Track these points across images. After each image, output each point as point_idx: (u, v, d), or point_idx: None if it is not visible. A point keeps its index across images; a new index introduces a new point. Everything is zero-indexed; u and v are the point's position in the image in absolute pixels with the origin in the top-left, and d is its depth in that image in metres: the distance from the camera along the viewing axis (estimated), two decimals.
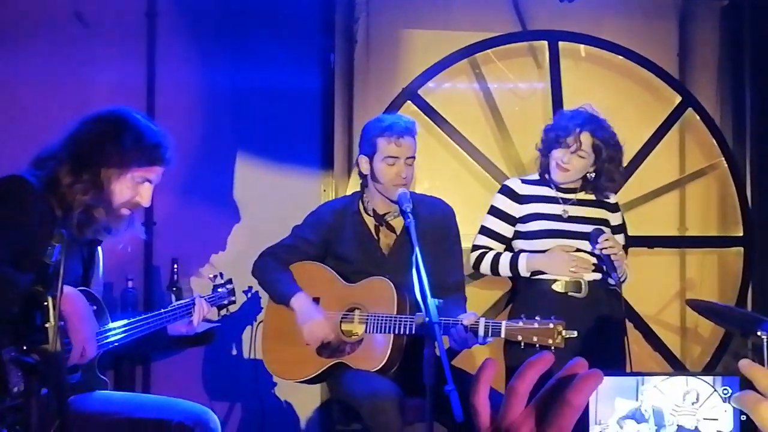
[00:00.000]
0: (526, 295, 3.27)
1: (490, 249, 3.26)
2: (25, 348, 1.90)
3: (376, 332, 2.91)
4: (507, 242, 3.27)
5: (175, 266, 3.66)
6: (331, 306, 3.02)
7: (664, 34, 4.35)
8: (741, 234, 4.16)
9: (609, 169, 3.17)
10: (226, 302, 3.05)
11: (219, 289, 3.04)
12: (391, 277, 2.95)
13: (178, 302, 2.82)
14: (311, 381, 3.07)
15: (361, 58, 4.10)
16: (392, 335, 2.88)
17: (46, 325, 1.75)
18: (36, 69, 3.75)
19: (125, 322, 2.56)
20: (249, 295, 3.67)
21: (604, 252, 3.04)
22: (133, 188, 2.45)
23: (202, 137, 3.89)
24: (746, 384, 0.81)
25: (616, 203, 3.33)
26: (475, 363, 3.84)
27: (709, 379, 1.11)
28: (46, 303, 1.75)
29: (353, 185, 3.78)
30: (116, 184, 2.41)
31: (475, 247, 3.28)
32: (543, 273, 3.16)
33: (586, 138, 3.13)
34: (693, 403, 1.11)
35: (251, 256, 3.19)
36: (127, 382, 3.57)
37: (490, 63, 4.14)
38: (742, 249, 4.16)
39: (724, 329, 4.04)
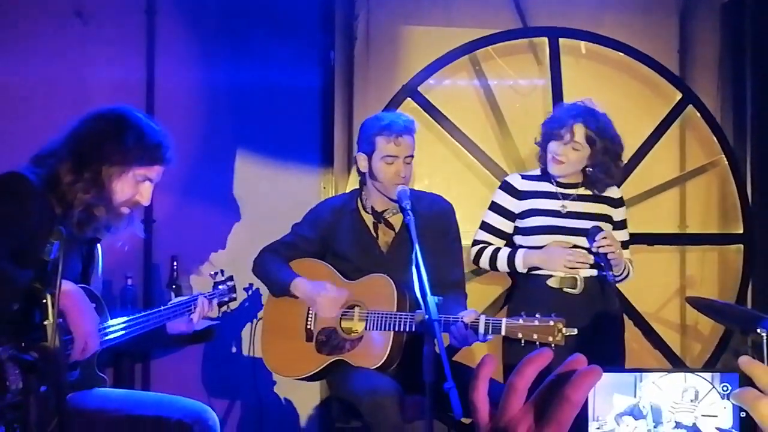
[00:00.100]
0: (522, 291, 3.30)
1: (490, 244, 3.26)
2: (23, 345, 1.90)
3: (376, 329, 2.91)
4: (507, 238, 3.28)
5: (175, 264, 3.66)
6: None
7: (665, 30, 4.34)
8: (741, 231, 4.15)
9: (604, 162, 3.15)
10: (226, 299, 3.05)
11: (220, 286, 3.04)
12: (390, 274, 2.95)
13: (178, 299, 2.82)
14: (311, 378, 3.07)
15: (361, 56, 4.10)
16: (392, 332, 2.88)
17: (45, 323, 1.75)
18: (36, 67, 3.75)
19: (124, 319, 2.56)
20: (249, 292, 3.67)
21: (601, 250, 3.04)
22: (133, 187, 2.45)
23: (202, 135, 3.89)
24: (746, 381, 0.81)
25: (620, 198, 3.32)
26: (474, 359, 3.84)
27: (708, 376, 1.11)
28: (44, 300, 1.75)
29: (353, 183, 3.77)
30: (117, 183, 2.41)
31: (475, 242, 3.30)
32: (540, 269, 3.16)
33: (579, 129, 3.13)
34: (691, 400, 1.11)
35: (251, 254, 3.19)
36: (126, 380, 3.57)
37: (490, 60, 4.13)
38: (742, 246, 4.16)
39: (724, 327, 4.04)
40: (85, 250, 2.55)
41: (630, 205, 4.01)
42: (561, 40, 4.07)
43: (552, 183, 3.24)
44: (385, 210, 3.10)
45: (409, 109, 3.83)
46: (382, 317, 2.90)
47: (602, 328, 3.10)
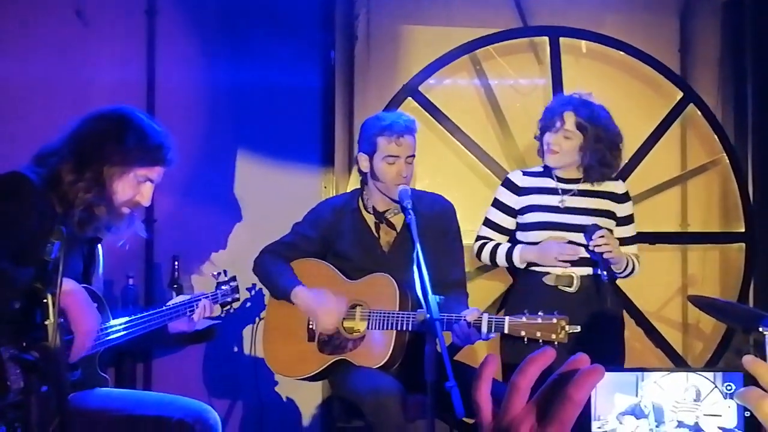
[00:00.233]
0: (519, 288, 3.32)
1: (492, 240, 3.27)
2: (24, 345, 1.90)
3: (378, 329, 2.91)
4: (509, 234, 3.28)
5: (176, 263, 3.66)
6: None
7: (666, 29, 4.34)
8: (743, 230, 4.15)
9: (598, 149, 3.14)
10: (229, 299, 3.04)
11: (223, 287, 3.03)
12: (391, 274, 2.95)
13: (179, 299, 2.82)
14: (313, 378, 3.07)
15: (362, 55, 4.10)
16: (394, 332, 2.88)
17: (46, 322, 1.75)
18: (36, 67, 3.75)
19: (126, 319, 2.56)
20: (252, 292, 3.67)
21: (597, 250, 3.03)
22: (134, 187, 2.45)
23: (203, 135, 3.89)
24: (750, 380, 0.81)
25: (625, 193, 3.29)
26: (476, 358, 3.84)
27: (710, 375, 1.11)
28: (45, 300, 1.75)
29: (354, 182, 3.77)
30: (118, 183, 2.41)
31: (477, 238, 3.31)
32: (537, 265, 3.16)
33: (569, 117, 3.14)
34: (694, 400, 1.10)
35: (252, 254, 3.19)
36: (128, 379, 3.57)
37: (490, 59, 4.13)
38: (743, 245, 4.15)
39: (726, 325, 4.03)
40: (87, 249, 2.56)
41: None
42: (562, 40, 4.06)
43: (553, 179, 3.24)
44: (387, 210, 3.10)
45: (409, 108, 3.82)
46: (384, 317, 2.90)
47: (600, 327, 3.08)
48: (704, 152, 4.27)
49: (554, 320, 2.66)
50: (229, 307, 3.07)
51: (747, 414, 1.02)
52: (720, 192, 4.30)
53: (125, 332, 2.55)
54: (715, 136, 4.16)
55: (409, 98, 3.94)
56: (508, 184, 3.28)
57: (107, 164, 2.39)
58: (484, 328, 2.73)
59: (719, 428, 1.10)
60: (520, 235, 3.25)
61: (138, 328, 2.58)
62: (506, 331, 2.72)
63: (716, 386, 1.11)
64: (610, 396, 1.20)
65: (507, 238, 3.29)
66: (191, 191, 3.83)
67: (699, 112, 4.14)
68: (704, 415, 1.11)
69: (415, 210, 2.76)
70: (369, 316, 2.94)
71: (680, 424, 1.13)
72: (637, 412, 1.15)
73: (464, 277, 3.19)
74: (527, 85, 4.21)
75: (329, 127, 3.93)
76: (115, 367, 3.47)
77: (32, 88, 3.74)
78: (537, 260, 3.15)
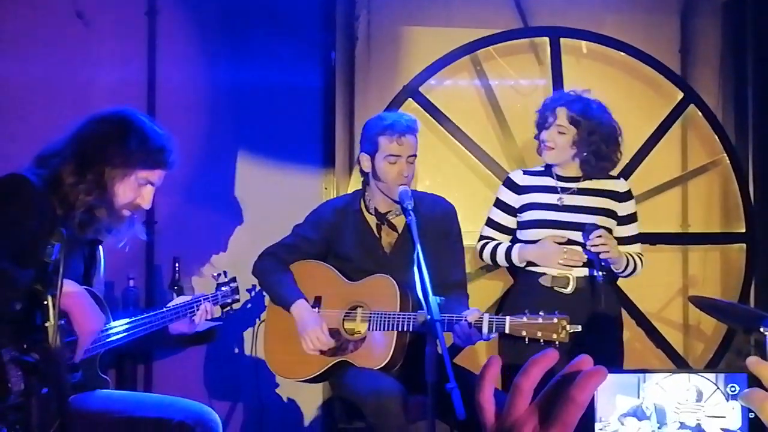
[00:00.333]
0: (516, 288, 3.33)
1: (494, 240, 3.27)
2: (25, 347, 1.90)
3: (379, 330, 2.91)
4: (512, 233, 3.29)
5: (177, 265, 3.66)
6: (334, 304, 3.01)
7: (666, 29, 4.34)
8: (743, 230, 4.15)
9: (592, 142, 3.13)
10: (229, 300, 3.04)
11: (223, 288, 3.03)
12: (393, 275, 2.94)
13: (180, 299, 2.81)
14: (314, 380, 3.07)
15: (362, 56, 4.10)
16: (395, 333, 2.88)
17: (46, 324, 1.75)
18: (37, 68, 3.75)
19: (126, 321, 2.56)
20: (252, 293, 3.67)
21: (594, 249, 3.02)
22: (135, 190, 2.45)
23: (203, 136, 3.89)
24: (754, 381, 0.80)
25: (627, 192, 3.27)
26: (477, 360, 3.84)
27: (712, 376, 1.10)
28: (45, 302, 1.75)
29: (355, 183, 3.77)
30: (119, 186, 2.41)
31: (480, 238, 3.32)
32: (536, 264, 3.16)
33: (561, 112, 3.15)
34: (696, 401, 1.10)
35: (252, 255, 3.19)
36: (129, 381, 3.57)
37: (491, 60, 4.13)
38: (744, 245, 4.15)
39: (727, 326, 4.03)
40: (87, 251, 2.55)
41: None
42: (562, 40, 4.06)
43: (553, 177, 3.24)
44: (389, 211, 3.10)
45: (410, 109, 3.82)
46: (385, 318, 2.89)
47: (597, 328, 3.06)
48: (705, 153, 4.27)
49: (555, 320, 2.65)
50: (229, 308, 3.07)
51: (751, 415, 1.02)
52: (721, 192, 4.30)
53: (126, 334, 2.55)
54: (716, 137, 4.15)
55: (410, 99, 3.94)
56: (509, 184, 3.29)
57: (108, 166, 2.39)
58: (485, 329, 2.72)
59: (722, 429, 1.09)
60: (519, 234, 3.25)
61: (139, 329, 2.58)
62: (507, 331, 2.71)
63: (718, 388, 1.10)
64: (611, 398, 1.20)
65: (509, 237, 3.29)
66: (191, 192, 3.83)
67: (699, 113, 4.14)
68: (707, 416, 1.10)
69: (416, 211, 2.75)
70: (370, 317, 2.94)
71: (682, 426, 1.12)
72: (639, 414, 1.14)
73: (465, 278, 3.18)
74: (528, 85, 4.21)
75: (330, 128, 3.93)
76: (115, 369, 3.47)
77: (33, 88, 3.74)
78: (535, 260, 3.15)
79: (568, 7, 4.20)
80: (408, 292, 2.90)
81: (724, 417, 1.09)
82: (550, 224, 3.15)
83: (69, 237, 1.94)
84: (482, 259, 3.34)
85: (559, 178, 3.23)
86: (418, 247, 2.54)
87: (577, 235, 3.11)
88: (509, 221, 3.28)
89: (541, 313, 2.68)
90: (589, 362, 0.77)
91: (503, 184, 3.32)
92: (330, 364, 2.96)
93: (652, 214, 4.13)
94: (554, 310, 2.70)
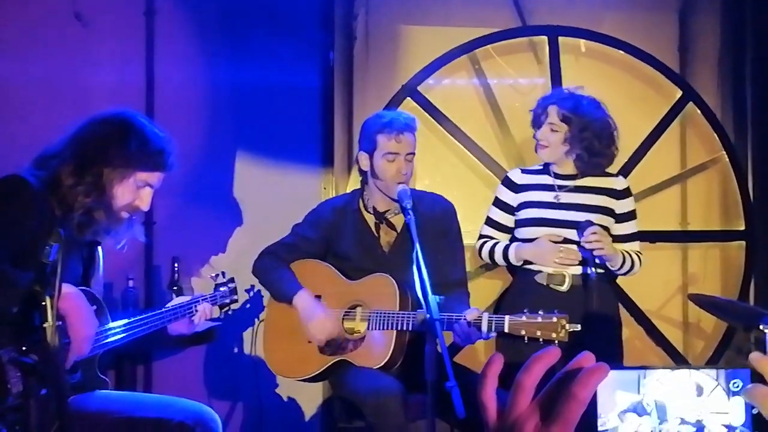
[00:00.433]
0: (513, 287, 3.34)
1: (493, 238, 3.27)
2: (24, 348, 1.89)
3: (379, 329, 2.91)
4: (510, 232, 3.29)
5: (176, 265, 3.65)
6: (333, 303, 3.01)
7: (665, 28, 4.33)
8: (743, 228, 4.14)
9: (585, 139, 3.13)
10: (228, 301, 3.04)
11: (221, 288, 3.03)
12: (391, 274, 2.94)
13: (179, 300, 2.81)
14: (314, 379, 3.07)
15: (361, 55, 4.09)
16: (394, 332, 2.88)
17: (45, 325, 1.74)
18: (35, 68, 3.74)
19: (125, 321, 2.56)
20: (251, 293, 3.66)
21: (588, 246, 3.02)
22: (134, 192, 2.45)
23: (202, 136, 3.88)
24: (757, 377, 0.80)
25: (625, 189, 3.26)
26: (477, 358, 3.83)
27: (713, 372, 1.10)
28: (44, 303, 1.74)
29: (353, 183, 3.77)
30: (118, 188, 2.41)
31: (480, 237, 3.33)
32: (533, 263, 3.16)
33: (552, 110, 3.16)
34: (697, 397, 1.10)
35: (252, 255, 3.18)
36: (128, 382, 3.57)
37: (489, 59, 4.12)
38: (744, 243, 4.15)
39: (727, 324, 4.02)
40: (86, 252, 2.55)
41: None
42: (561, 39, 4.06)
43: (550, 175, 3.24)
44: (387, 210, 3.10)
45: (408, 108, 3.81)
46: (384, 317, 2.89)
47: (593, 326, 3.05)
48: (704, 150, 4.27)
49: (554, 319, 2.65)
50: (227, 308, 3.07)
51: (754, 411, 1.01)
52: (720, 190, 4.30)
53: (125, 334, 2.54)
54: (715, 135, 4.15)
55: (408, 98, 3.93)
56: (507, 182, 3.30)
57: (107, 168, 2.38)
58: (484, 327, 2.72)
59: (723, 426, 1.09)
60: (516, 232, 3.25)
61: (138, 330, 2.58)
62: (506, 330, 2.71)
63: (719, 384, 1.10)
64: (611, 394, 1.19)
65: (508, 236, 3.29)
66: (190, 193, 3.82)
67: (698, 111, 4.14)
68: (708, 412, 1.10)
69: (416, 210, 2.75)
70: (369, 316, 2.94)
71: (683, 422, 1.12)
72: (639, 410, 1.14)
73: (465, 277, 3.18)
74: (526, 84, 4.20)
75: (328, 127, 3.92)
76: (115, 370, 3.47)
77: (32, 88, 3.74)
78: (531, 259, 3.16)
79: (567, 5, 4.20)
80: (407, 291, 2.90)
81: (726, 413, 1.09)
82: (547, 222, 3.15)
83: (67, 238, 1.93)
84: (481, 258, 3.35)
85: (557, 176, 3.23)
86: (417, 246, 2.53)
87: (574, 234, 3.10)
88: (508, 220, 3.28)
89: (540, 312, 2.68)
90: (591, 359, 0.77)
91: (502, 183, 3.33)
92: (329, 363, 2.96)
93: (652, 212, 4.13)
94: (552, 309, 2.69)
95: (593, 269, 3.01)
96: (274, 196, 3.86)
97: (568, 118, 3.13)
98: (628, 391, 1.16)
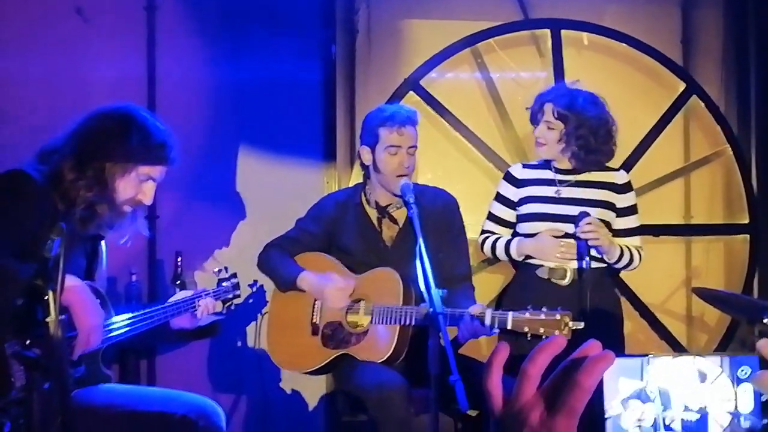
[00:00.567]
0: (515, 281, 3.33)
1: (495, 233, 3.27)
2: (27, 342, 1.89)
3: (382, 323, 2.90)
4: (512, 227, 3.29)
5: (179, 260, 3.66)
6: None
7: (668, 20, 4.32)
8: (747, 221, 4.14)
9: (581, 136, 3.12)
10: (230, 296, 3.04)
11: (224, 283, 3.03)
12: (394, 268, 2.94)
13: (182, 294, 2.81)
14: (317, 372, 3.07)
15: (363, 50, 4.09)
16: (398, 326, 2.87)
17: (47, 319, 1.74)
18: (37, 64, 3.74)
19: (128, 315, 2.56)
20: (254, 288, 3.66)
21: (582, 236, 3.02)
22: (136, 186, 2.45)
23: (204, 131, 3.88)
24: (765, 364, 0.80)
25: (626, 184, 3.26)
26: (480, 350, 3.83)
27: (717, 360, 1.10)
28: (46, 297, 1.74)
29: (356, 177, 3.77)
30: (120, 182, 2.41)
31: (482, 232, 3.33)
32: (534, 258, 3.16)
33: (548, 108, 3.16)
34: (702, 383, 1.09)
35: (255, 249, 3.19)
36: (132, 376, 3.57)
37: (492, 52, 4.12)
38: (747, 236, 4.14)
39: (731, 317, 4.02)
40: (89, 246, 2.55)
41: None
42: (563, 32, 4.05)
43: (551, 170, 3.23)
44: (389, 204, 3.09)
45: (411, 102, 3.82)
46: (387, 311, 2.89)
47: (594, 320, 3.04)
48: (707, 144, 4.26)
49: (558, 316, 2.64)
50: (230, 303, 3.07)
51: (763, 398, 1.01)
52: (723, 183, 4.29)
53: (128, 328, 2.54)
54: (718, 128, 4.14)
55: (411, 92, 3.93)
56: (509, 177, 3.30)
57: (109, 162, 2.38)
58: (488, 323, 2.72)
59: (728, 413, 1.09)
60: (518, 227, 3.25)
61: (141, 324, 2.58)
62: (509, 327, 2.69)
63: (724, 371, 1.10)
64: (614, 381, 1.19)
65: (510, 231, 3.29)
66: (193, 187, 3.83)
67: (702, 104, 4.13)
68: (712, 399, 1.10)
69: (418, 204, 2.74)
70: (372, 310, 2.93)
71: (687, 409, 1.12)
72: (642, 397, 1.14)
73: (470, 271, 3.18)
74: (529, 78, 4.19)
75: (331, 122, 3.92)
76: (118, 364, 3.47)
77: (33, 84, 3.74)
78: (532, 254, 3.16)
79: None
80: (411, 286, 2.90)
81: (730, 400, 1.09)
82: (548, 217, 3.15)
83: (70, 232, 1.93)
84: (483, 253, 3.35)
85: (558, 171, 3.22)
86: (420, 240, 2.53)
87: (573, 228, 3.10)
88: (509, 215, 3.28)
89: (543, 309, 2.67)
90: (597, 347, 0.77)
91: (503, 178, 3.33)
92: (332, 357, 2.96)
93: (655, 205, 4.13)
94: (553, 303, 2.69)
95: (588, 260, 3.01)
96: (276, 191, 3.86)
97: (564, 116, 3.13)
98: (631, 378, 1.16)
